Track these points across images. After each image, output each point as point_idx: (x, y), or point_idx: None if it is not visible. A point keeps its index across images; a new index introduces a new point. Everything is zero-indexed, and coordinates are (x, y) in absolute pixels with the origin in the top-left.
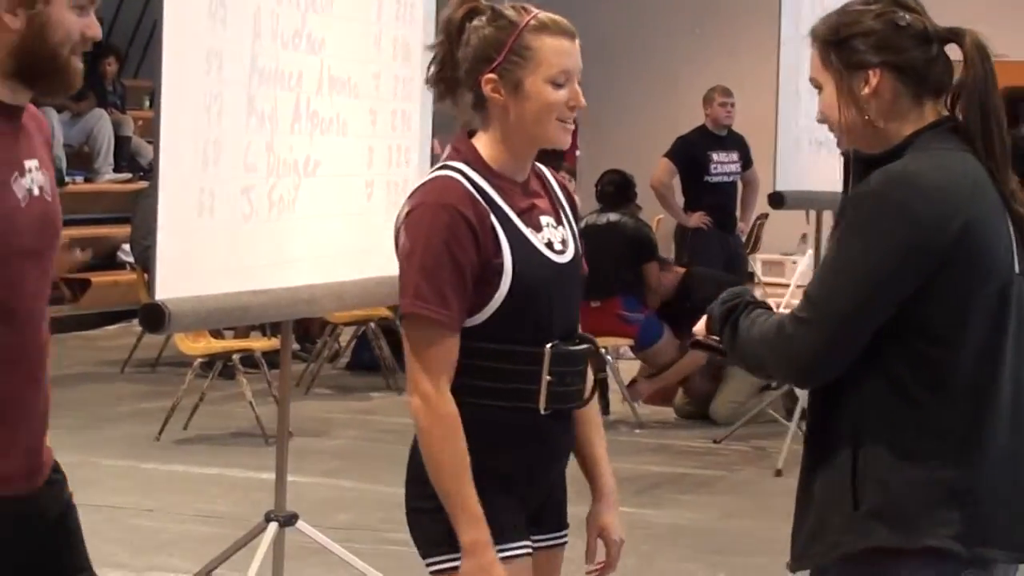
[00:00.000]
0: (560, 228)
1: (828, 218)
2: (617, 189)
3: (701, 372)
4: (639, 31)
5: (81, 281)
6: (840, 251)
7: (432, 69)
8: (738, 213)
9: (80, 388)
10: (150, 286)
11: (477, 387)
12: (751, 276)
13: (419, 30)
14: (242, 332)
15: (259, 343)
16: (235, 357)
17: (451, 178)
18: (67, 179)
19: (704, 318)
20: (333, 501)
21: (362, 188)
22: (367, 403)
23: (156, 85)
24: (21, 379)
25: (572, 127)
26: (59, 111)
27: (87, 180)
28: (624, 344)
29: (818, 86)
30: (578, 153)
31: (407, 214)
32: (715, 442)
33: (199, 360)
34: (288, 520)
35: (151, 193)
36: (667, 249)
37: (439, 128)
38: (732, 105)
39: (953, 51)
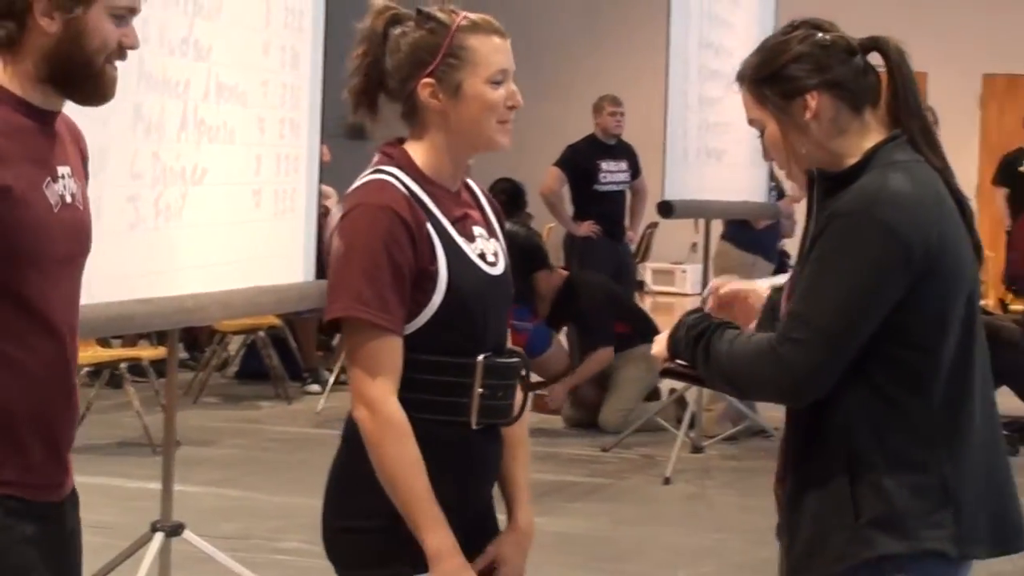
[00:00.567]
0: (492, 240)
1: (717, 227)
2: (508, 198)
3: (590, 380)
4: (528, 40)
5: None
6: (826, 270)
7: (355, 82)
8: (627, 222)
9: None
10: None
11: (406, 399)
12: (640, 285)
13: (308, 38)
14: (130, 340)
15: (146, 352)
16: (122, 366)
17: (387, 181)
18: None
19: (660, 344)
20: (220, 511)
21: (250, 196)
22: (255, 412)
23: None
24: (60, 391)
25: (510, 128)
26: None
27: None
28: None
29: (760, 127)
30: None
31: (342, 217)
32: (604, 450)
33: (86, 369)
34: (174, 530)
35: None
36: (556, 258)
37: (326, 136)
38: (621, 114)
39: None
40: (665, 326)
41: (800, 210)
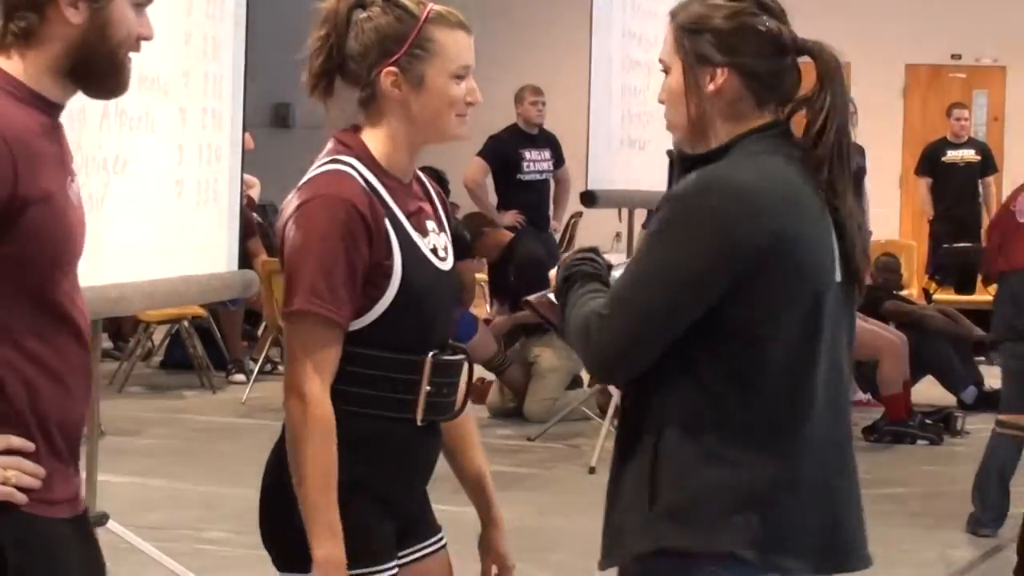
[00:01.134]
0: (442, 234)
1: (640, 216)
2: None
3: (519, 363)
4: None
5: None
6: (649, 250)
7: (315, 63)
8: (551, 212)
9: None
10: None
11: (352, 394)
12: None
13: (230, 26)
14: None
15: None
16: None
17: (346, 173)
18: None
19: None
20: (145, 501)
21: (172, 186)
22: (180, 402)
23: None
24: (86, 398)
25: (467, 120)
26: None
27: None
28: None
29: (665, 69)
30: None
31: (298, 207)
32: (529, 440)
33: None
34: (99, 520)
35: None
36: None
37: (249, 125)
38: (543, 103)
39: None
40: None
41: None
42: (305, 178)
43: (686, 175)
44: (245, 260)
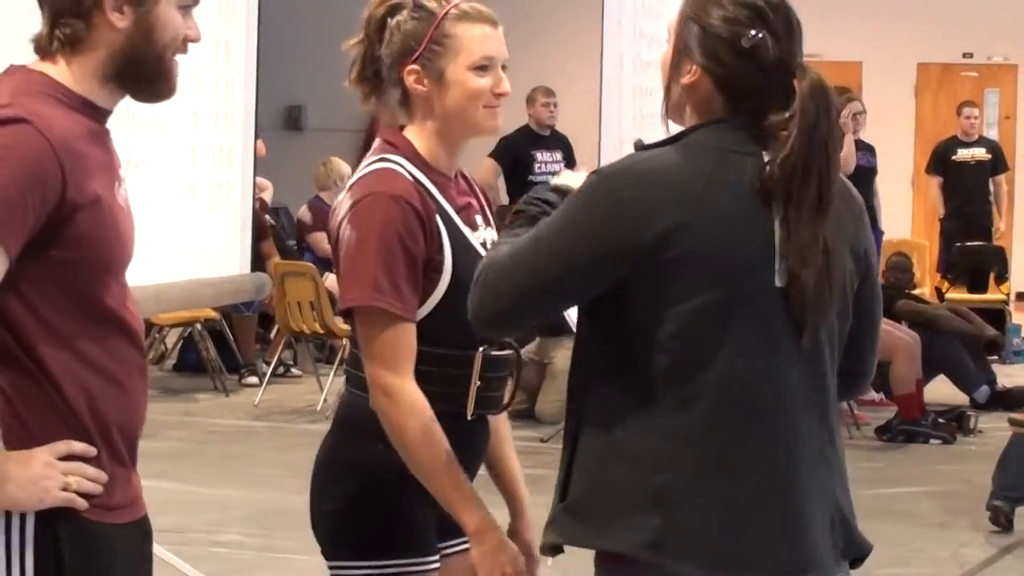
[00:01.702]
0: (489, 228)
1: None
2: None
3: (532, 364)
4: None
5: None
6: (544, 225)
7: (354, 70)
8: None
9: None
10: None
11: None
12: None
13: (241, 30)
14: None
15: None
16: None
17: (395, 171)
18: None
19: None
20: (159, 504)
21: (184, 189)
22: (193, 405)
23: None
24: (143, 400)
25: (499, 113)
26: None
27: None
28: None
29: (668, 40)
30: None
31: (352, 206)
32: (542, 441)
33: None
34: None
35: None
36: None
37: (261, 129)
38: (554, 105)
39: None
40: None
41: None
42: (354, 177)
43: None
44: (258, 263)
